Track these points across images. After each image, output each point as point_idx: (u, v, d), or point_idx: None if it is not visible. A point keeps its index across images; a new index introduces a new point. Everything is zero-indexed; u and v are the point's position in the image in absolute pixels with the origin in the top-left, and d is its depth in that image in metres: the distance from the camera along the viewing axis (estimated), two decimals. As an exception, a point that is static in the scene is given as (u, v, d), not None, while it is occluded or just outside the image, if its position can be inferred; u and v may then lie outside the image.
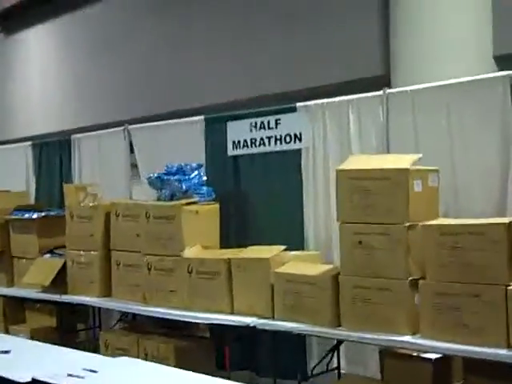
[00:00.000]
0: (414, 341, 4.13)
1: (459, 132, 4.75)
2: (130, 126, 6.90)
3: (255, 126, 5.91)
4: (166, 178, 5.86)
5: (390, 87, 6.79)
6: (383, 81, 7.37)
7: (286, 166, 5.74)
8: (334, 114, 5.42)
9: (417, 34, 7.08)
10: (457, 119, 4.75)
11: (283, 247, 5.15)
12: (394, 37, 7.28)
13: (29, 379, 3.57)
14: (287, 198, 5.72)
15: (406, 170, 4.23)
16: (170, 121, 6.61)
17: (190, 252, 5.56)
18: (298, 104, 5.66)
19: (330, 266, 4.80)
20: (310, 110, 5.57)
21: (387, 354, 4.65)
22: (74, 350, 4.32)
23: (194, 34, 9.34)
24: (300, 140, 5.63)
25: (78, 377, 3.64)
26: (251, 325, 4.90)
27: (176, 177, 5.77)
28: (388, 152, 5.10)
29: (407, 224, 4.20)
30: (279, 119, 5.75)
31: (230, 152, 6.09)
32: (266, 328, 4.88)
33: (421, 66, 6.93)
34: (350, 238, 4.45)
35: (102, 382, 3.59)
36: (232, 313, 5.18)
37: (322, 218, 5.53)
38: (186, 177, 5.77)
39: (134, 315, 6.45)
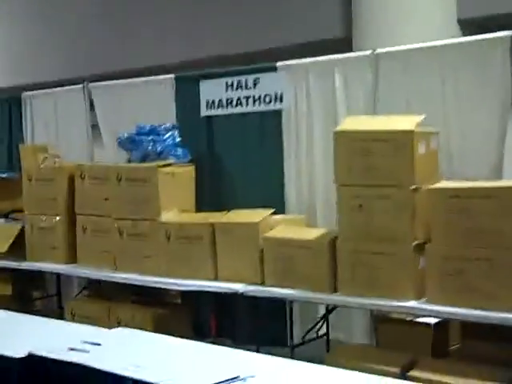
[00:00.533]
0: (419, 306, 4.07)
1: (454, 95, 4.67)
2: (91, 84, 6.51)
3: (231, 86, 5.67)
4: (137, 138, 5.57)
5: (351, 50, 6.74)
6: (345, 43, 7.31)
7: (265, 128, 5.54)
8: (318, 74, 5.25)
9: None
10: (452, 82, 4.67)
11: (270, 211, 4.98)
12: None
13: (24, 355, 3.29)
14: (266, 161, 5.54)
15: (412, 131, 4.12)
16: (136, 79, 6.25)
17: (168, 216, 5.32)
18: (279, 63, 5.45)
19: (324, 230, 4.67)
20: (291, 70, 5.37)
21: (382, 319, 4.60)
22: (66, 322, 4.04)
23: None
24: (281, 101, 5.43)
25: (82, 351, 3.38)
26: (240, 291, 4.74)
27: (150, 137, 5.49)
28: (375, 112, 4.98)
29: (413, 187, 4.11)
30: (258, 79, 5.53)
31: (204, 112, 5.83)
32: (256, 295, 4.73)
33: (384, 28, 6.86)
34: (350, 202, 4.32)
35: (111, 355, 3.35)
36: (215, 279, 5.00)
37: (304, 181, 5.38)
38: (160, 137, 5.50)
39: (100, 283, 6.16)
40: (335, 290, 4.42)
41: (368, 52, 5.03)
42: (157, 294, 5.85)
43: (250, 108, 5.59)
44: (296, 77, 5.35)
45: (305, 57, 5.39)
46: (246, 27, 8.30)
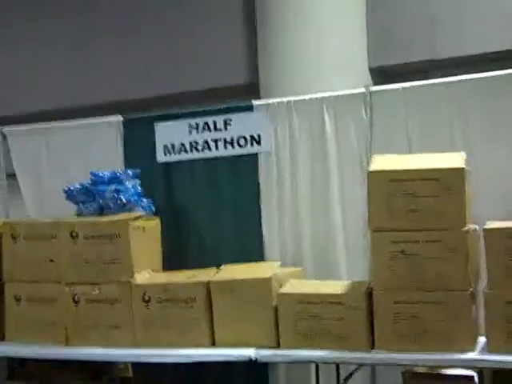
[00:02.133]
0: (481, 357, 3.72)
1: (463, 136, 4.47)
2: (6, 128, 5.55)
3: (196, 128, 5.07)
4: (94, 188, 4.75)
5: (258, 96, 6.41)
6: (250, 89, 7.02)
7: (239, 173, 4.99)
8: (305, 113, 4.84)
9: (287, 47, 6.79)
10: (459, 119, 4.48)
11: (276, 264, 4.42)
12: (262, 49, 6.90)
13: None
14: (240, 212, 4.98)
15: (462, 169, 3.83)
16: (70, 122, 5.43)
17: (142, 277, 4.54)
18: (256, 102, 4.99)
19: (346, 282, 4.20)
20: (271, 109, 4.91)
21: (411, 375, 4.18)
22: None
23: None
24: (258, 143, 4.94)
25: None
26: (253, 357, 4.08)
27: (112, 187, 4.70)
28: (370, 154, 4.66)
29: (465, 228, 3.80)
30: (229, 120, 5.00)
31: (161, 158, 5.16)
32: (275, 360, 4.13)
33: (296, 75, 6.63)
34: (388, 248, 3.91)
35: None
36: (212, 346, 4.30)
37: (288, 232, 4.89)
38: (124, 186, 4.73)
39: (23, 361, 5.13)
40: (372, 347, 3.95)
41: (362, 89, 4.72)
42: (100, 369, 4.99)
43: (221, 152, 5.02)
44: (277, 116, 4.89)
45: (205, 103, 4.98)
46: (143, 72, 7.73)
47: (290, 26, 6.71)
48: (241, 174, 4.98)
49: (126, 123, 5.24)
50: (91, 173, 4.86)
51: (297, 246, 4.87)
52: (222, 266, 4.56)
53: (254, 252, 4.90)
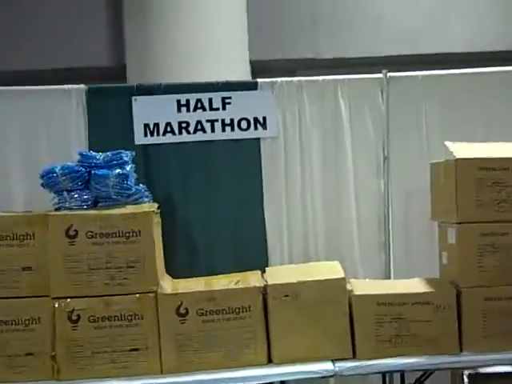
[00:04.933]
0: None
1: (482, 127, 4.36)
2: None
3: (186, 106, 4.24)
4: (93, 173, 3.68)
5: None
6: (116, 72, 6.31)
7: (238, 161, 4.28)
8: (317, 95, 4.32)
9: (159, 30, 6.19)
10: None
11: (336, 262, 3.82)
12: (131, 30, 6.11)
13: None
14: (239, 205, 4.28)
15: (555, 157, 3.70)
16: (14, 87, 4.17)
17: (169, 286, 3.63)
18: (261, 80, 4.32)
19: (419, 279, 3.80)
20: (279, 89, 4.29)
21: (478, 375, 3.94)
22: None
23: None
24: (263, 126, 4.28)
25: None
26: (333, 372, 3.47)
27: (116, 171, 3.67)
28: (388, 143, 4.34)
29: (557, 218, 3.67)
30: (228, 98, 4.26)
31: (140, 140, 4.21)
32: (358, 372, 3.54)
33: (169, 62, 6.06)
34: (476, 241, 3.63)
35: None
36: (269, 363, 3.58)
37: (296, 228, 4.31)
38: (127, 171, 3.73)
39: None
40: (461, 350, 3.62)
41: (379, 74, 4.36)
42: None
43: (217, 135, 4.26)
44: (285, 97, 4.30)
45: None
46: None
47: (162, 8, 6.03)
48: (240, 162, 4.28)
49: (91, 93, 4.18)
50: (81, 153, 3.77)
51: (305, 242, 4.32)
52: (267, 269, 3.84)
53: (255, 252, 4.25)
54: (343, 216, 4.33)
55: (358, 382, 4.12)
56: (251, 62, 6.37)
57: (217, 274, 3.92)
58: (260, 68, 6.54)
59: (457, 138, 3.99)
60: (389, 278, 4.35)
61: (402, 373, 3.84)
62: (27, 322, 3.54)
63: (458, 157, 3.67)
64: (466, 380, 3.93)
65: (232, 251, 4.23)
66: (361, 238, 4.35)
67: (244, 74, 5.82)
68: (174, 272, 3.95)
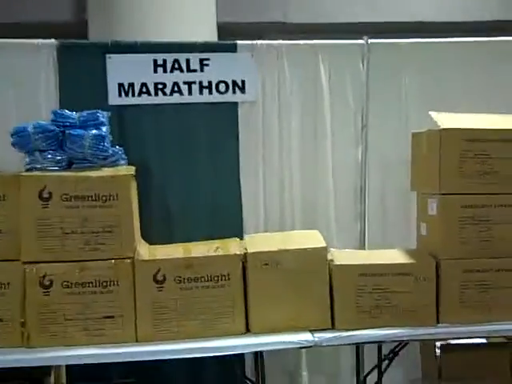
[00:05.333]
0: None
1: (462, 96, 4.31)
2: None
3: (163, 66, 4.08)
4: (67, 133, 3.51)
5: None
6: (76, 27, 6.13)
7: (215, 125, 4.17)
8: (297, 60, 4.21)
9: None
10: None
11: (316, 232, 3.75)
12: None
13: None
14: (214, 171, 4.17)
15: (540, 130, 3.68)
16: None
17: (146, 252, 3.52)
18: (241, 42, 4.18)
19: (399, 250, 3.76)
20: (258, 52, 4.17)
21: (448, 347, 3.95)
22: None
23: None
24: (242, 90, 4.16)
25: None
26: (312, 343, 3.42)
27: (92, 131, 3.51)
28: (367, 112, 4.27)
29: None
30: (207, 59, 4.12)
31: (114, 100, 4.04)
32: (337, 343, 3.49)
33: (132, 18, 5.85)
34: (457, 213, 3.60)
35: None
36: (247, 333, 3.51)
37: (272, 197, 4.24)
38: (103, 131, 3.57)
39: None
40: (438, 322, 3.61)
41: (361, 41, 4.27)
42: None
43: (194, 97, 4.12)
44: (265, 61, 4.19)
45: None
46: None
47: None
48: (218, 126, 4.16)
49: (63, 49, 3.99)
50: (55, 111, 3.60)
51: (281, 211, 4.25)
52: (246, 237, 3.75)
53: (231, 219, 4.17)
54: (320, 185, 4.28)
55: (332, 351, 4.11)
56: (218, 24, 6.22)
57: (191, 240, 3.82)
58: (226, 30, 6.39)
59: (437, 108, 3.92)
60: (363, 247, 4.32)
61: (380, 344, 3.81)
62: (-4, 286, 3.39)
63: (442, 127, 3.61)
64: (437, 351, 3.94)
65: (208, 218, 4.14)
66: (337, 208, 4.30)
67: (210, 36, 5.65)
68: (147, 238, 3.83)
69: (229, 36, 6.07)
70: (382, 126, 4.29)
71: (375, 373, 4.00)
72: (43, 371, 3.70)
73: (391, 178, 4.30)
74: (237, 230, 4.09)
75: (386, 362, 3.88)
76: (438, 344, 3.94)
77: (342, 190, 4.30)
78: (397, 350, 3.81)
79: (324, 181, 4.27)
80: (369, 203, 4.33)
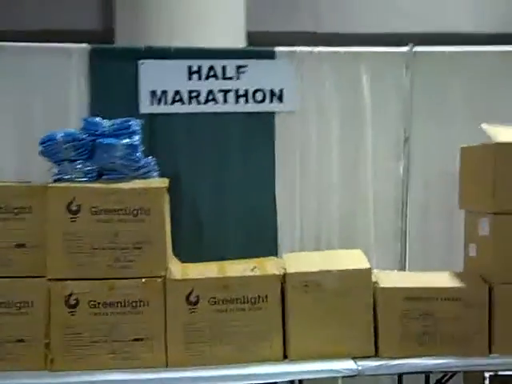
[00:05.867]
0: None
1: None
2: None
3: (198, 73, 3.88)
4: (97, 141, 3.31)
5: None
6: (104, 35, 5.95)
7: (251, 136, 3.95)
8: (339, 67, 3.99)
9: None
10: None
11: (359, 251, 3.52)
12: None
13: None
14: (249, 184, 3.95)
15: None
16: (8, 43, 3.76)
17: (179, 270, 3.30)
18: (279, 48, 3.97)
19: (448, 273, 3.51)
20: (298, 59, 3.96)
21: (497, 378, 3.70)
22: None
23: None
24: (280, 100, 3.94)
25: None
26: (355, 372, 3.19)
27: (123, 140, 3.31)
28: (410, 123, 4.05)
29: None
30: (244, 66, 3.92)
31: (145, 108, 3.84)
32: (382, 372, 3.26)
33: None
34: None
35: None
36: (284, 360, 3.28)
37: (309, 212, 4.00)
38: (136, 141, 3.37)
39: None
40: (490, 351, 3.36)
41: (405, 48, 4.04)
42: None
43: (230, 107, 3.91)
44: (305, 68, 3.97)
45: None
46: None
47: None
48: (253, 137, 3.95)
49: (94, 54, 3.80)
50: (85, 119, 3.41)
51: (318, 226, 4.02)
52: (284, 256, 3.53)
53: (265, 235, 3.95)
54: (359, 199, 4.04)
55: (370, 378, 3.87)
56: (247, 33, 6.02)
57: (223, 257, 3.62)
58: (256, 39, 6.18)
59: (485, 120, 3.70)
60: (404, 267, 4.09)
61: (428, 374, 3.57)
62: (19, 305, 3.20)
63: (497, 140, 3.38)
64: (486, 382, 3.69)
65: (241, 234, 3.92)
66: (376, 224, 4.06)
67: (239, 45, 5.45)
68: (177, 255, 3.62)
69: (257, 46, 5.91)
70: (425, 139, 4.06)
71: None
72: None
73: (434, 193, 4.07)
74: (271, 247, 3.89)
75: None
76: (486, 374, 3.69)
77: (382, 205, 4.06)
78: (444, 380, 3.56)
79: (363, 196, 4.03)
80: (410, 220, 4.09)
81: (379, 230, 4.06)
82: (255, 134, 3.94)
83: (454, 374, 3.53)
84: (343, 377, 3.21)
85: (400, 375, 3.67)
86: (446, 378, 3.56)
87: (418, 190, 4.07)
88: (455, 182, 3.84)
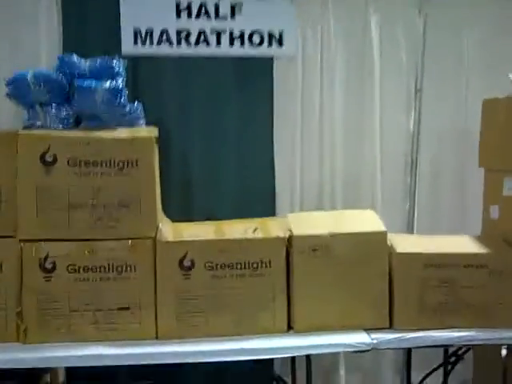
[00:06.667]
0: None
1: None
2: None
3: (187, 10, 3.44)
4: (75, 83, 2.86)
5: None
6: None
7: (246, 83, 3.54)
8: (345, 12, 3.59)
9: None
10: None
11: (371, 211, 3.14)
12: None
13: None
14: (245, 136, 3.56)
15: None
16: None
17: (169, 231, 2.89)
18: (278, -14, 3.55)
19: (469, 237, 3.15)
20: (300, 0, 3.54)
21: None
22: None
23: None
24: (279, 43, 3.53)
25: None
26: (369, 345, 2.83)
27: (106, 83, 2.86)
28: (422, 74, 3.68)
29: None
30: (240, 4, 3.48)
31: (128, 49, 3.39)
32: (397, 346, 2.91)
33: None
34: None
35: None
36: (289, 332, 2.91)
37: (309, 167, 3.64)
38: (119, 84, 2.92)
39: None
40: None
41: (417, -6, 3.65)
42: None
43: (224, 50, 3.49)
44: (308, 10, 3.56)
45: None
46: None
47: None
48: (250, 84, 3.53)
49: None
50: (61, 57, 2.94)
51: (320, 187, 3.67)
52: (289, 216, 3.13)
53: (262, 193, 3.59)
54: (365, 157, 3.70)
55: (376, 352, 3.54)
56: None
57: (215, 217, 3.22)
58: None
59: (504, 71, 3.34)
60: (412, 229, 3.75)
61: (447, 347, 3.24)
62: (-9, 269, 2.77)
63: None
64: (503, 352, 3.36)
65: (235, 191, 3.55)
66: (383, 183, 3.72)
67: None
68: (166, 213, 3.22)
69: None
70: (438, 91, 3.72)
71: (423, 374, 3.46)
72: (39, 368, 3.08)
73: (447, 150, 3.76)
74: (268, 208, 3.52)
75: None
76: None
77: (390, 163, 3.73)
78: (460, 352, 3.24)
79: (370, 152, 3.69)
80: (419, 179, 3.75)
81: (386, 189, 3.72)
82: (251, 81, 3.54)
83: (472, 346, 3.21)
84: (358, 351, 2.84)
85: (409, 349, 3.35)
86: (462, 350, 3.24)
87: (430, 145, 3.74)
88: (469, 138, 3.51)
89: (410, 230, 3.74)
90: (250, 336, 2.84)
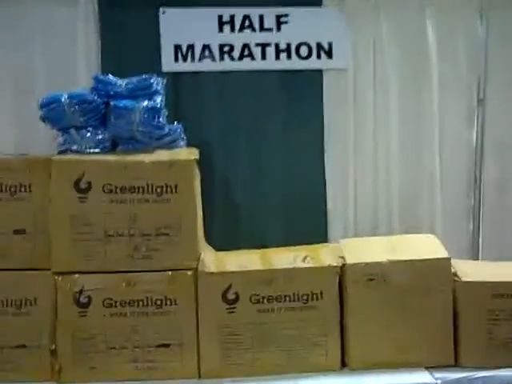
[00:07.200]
0: None
1: None
2: None
3: (230, 23, 3.25)
4: (113, 104, 2.70)
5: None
6: None
7: (293, 99, 3.32)
8: (398, 18, 3.34)
9: None
10: None
11: (431, 236, 2.89)
12: None
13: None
14: (293, 154, 3.34)
15: None
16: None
17: (211, 261, 2.69)
18: (326, -6, 3.33)
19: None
20: (349, 7, 3.30)
21: None
22: None
23: None
24: (328, 55, 3.30)
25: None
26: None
27: (144, 103, 2.69)
28: (485, 83, 3.40)
29: None
30: (285, 15, 3.27)
31: (168, 66, 3.22)
32: (464, 386, 2.65)
33: None
34: None
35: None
36: (343, 369, 2.67)
37: (367, 186, 3.39)
38: (158, 104, 2.74)
39: None
40: None
41: (474, -6, 3.38)
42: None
43: (269, 64, 3.28)
44: (359, 20, 3.32)
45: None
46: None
47: None
48: (298, 98, 3.31)
49: (105, 1, 3.17)
50: (96, 77, 2.79)
51: (375, 206, 3.41)
52: (341, 242, 2.90)
53: (313, 216, 3.34)
54: (423, 174, 3.42)
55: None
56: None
57: (263, 245, 3.01)
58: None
59: None
60: (476, 252, 3.46)
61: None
62: (19, 304, 2.62)
63: None
64: None
65: (283, 215, 3.32)
66: (444, 203, 3.43)
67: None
68: (209, 243, 3.01)
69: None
70: (503, 101, 3.42)
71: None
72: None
73: (513, 165, 3.45)
74: (320, 233, 3.29)
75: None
76: None
77: (451, 179, 3.44)
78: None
79: (428, 169, 3.41)
80: (484, 197, 3.46)
81: (447, 209, 3.44)
82: (299, 96, 3.31)
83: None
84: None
85: (478, 384, 3.06)
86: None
87: (494, 161, 3.44)
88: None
89: (474, 254, 3.45)
90: (301, 375, 2.62)
